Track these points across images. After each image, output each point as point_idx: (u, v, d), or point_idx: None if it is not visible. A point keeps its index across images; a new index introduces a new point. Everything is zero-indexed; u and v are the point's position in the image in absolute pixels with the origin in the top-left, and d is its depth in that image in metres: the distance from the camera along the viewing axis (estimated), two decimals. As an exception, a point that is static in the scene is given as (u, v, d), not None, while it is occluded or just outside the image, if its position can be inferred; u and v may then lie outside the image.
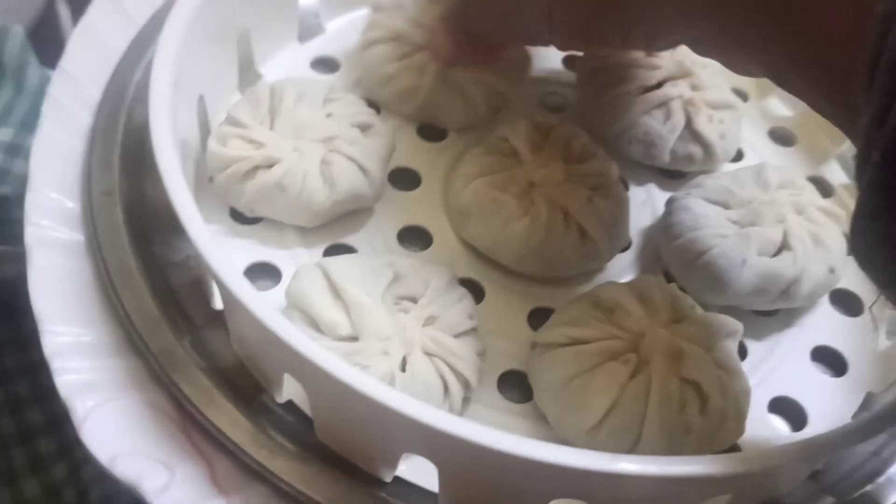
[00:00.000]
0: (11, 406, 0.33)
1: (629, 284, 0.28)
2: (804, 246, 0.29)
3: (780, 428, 0.28)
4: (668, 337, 0.26)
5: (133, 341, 0.25)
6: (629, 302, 0.27)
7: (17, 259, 0.32)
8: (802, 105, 0.35)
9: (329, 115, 0.30)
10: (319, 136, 0.29)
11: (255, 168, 0.29)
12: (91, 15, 0.34)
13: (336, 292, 0.26)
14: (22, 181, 0.32)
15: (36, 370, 0.33)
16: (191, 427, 0.24)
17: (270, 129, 0.30)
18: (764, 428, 0.28)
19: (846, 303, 0.31)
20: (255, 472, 0.24)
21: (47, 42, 0.51)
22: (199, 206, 0.28)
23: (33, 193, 0.28)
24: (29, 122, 0.37)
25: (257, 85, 0.31)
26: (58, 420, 0.33)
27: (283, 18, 0.35)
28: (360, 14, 0.37)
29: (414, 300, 0.26)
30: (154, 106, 0.26)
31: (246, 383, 0.25)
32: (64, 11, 0.54)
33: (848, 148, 0.35)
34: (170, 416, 0.24)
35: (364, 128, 0.31)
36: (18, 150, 0.35)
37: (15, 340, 0.33)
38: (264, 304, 0.22)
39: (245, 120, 0.29)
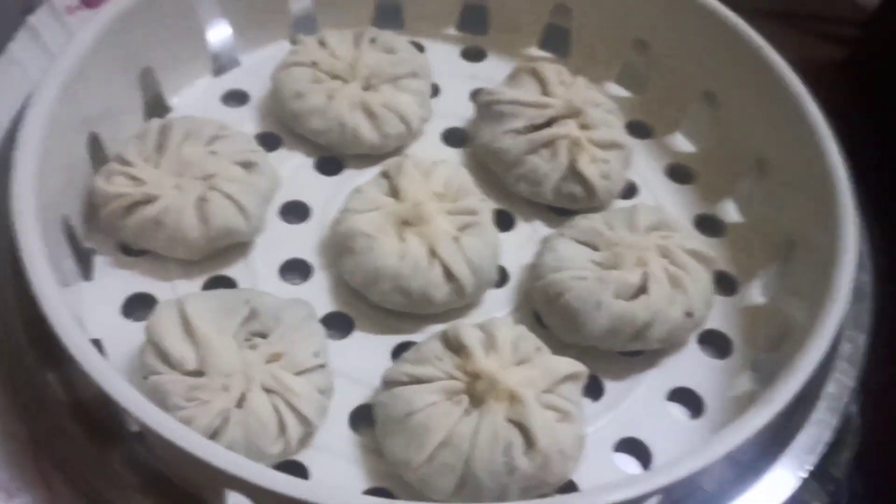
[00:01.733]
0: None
1: (479, 325, 0.28)
2: (661, 289, 0.29)
3: (627, 467, 0.29)
4: (502, 379, 0.26)
5: (7, 376, 0.27)
6: (474, 343, 0.28)
7: None
8: (706, 141, 0.36)
9: (213, 153, 0.32)
10: (200, 174, 0.31)
11: (136, 204, 0.30)
12: (11, 49, 0.36)
13: (188, 328, 0.27)
14: None
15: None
16: (43, 458, 0.26)
17: (156, 167, 0.31)
18: (610, 467, 0.28)
19: (715, 344, 0.32)
20: (95, 501, 0.25)
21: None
22: (90, 237, 0.30)
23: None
24: None
25: (149, 123, 0.32)
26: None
27: (192, 52, 0.37)
28: (277, 49, 0.39)
29: (265, 336, 0.28)
30: (22, 141, 0.28)
31: (104, 417, 0.27)
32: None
33: (745, 187, 0.36)
34: (24, 447, 0.26)
35: (246, 165, 0.32)
36: None
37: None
38: (97, 362, 0.24)
39: (131, 158, 0.31)
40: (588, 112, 0.34)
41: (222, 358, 0.26)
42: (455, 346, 0.28)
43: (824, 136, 0.32)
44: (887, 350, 0.31)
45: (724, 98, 0.36)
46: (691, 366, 0.31)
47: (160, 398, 0.26)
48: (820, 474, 0.27)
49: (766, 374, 0.30)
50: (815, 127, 0.32)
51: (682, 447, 0.29)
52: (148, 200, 0.30)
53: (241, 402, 0.26)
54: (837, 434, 0.28)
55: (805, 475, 0.27)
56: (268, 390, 0.26)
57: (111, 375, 0.24)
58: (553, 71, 0.36)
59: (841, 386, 0.29)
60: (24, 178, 0.27)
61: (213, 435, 0.25)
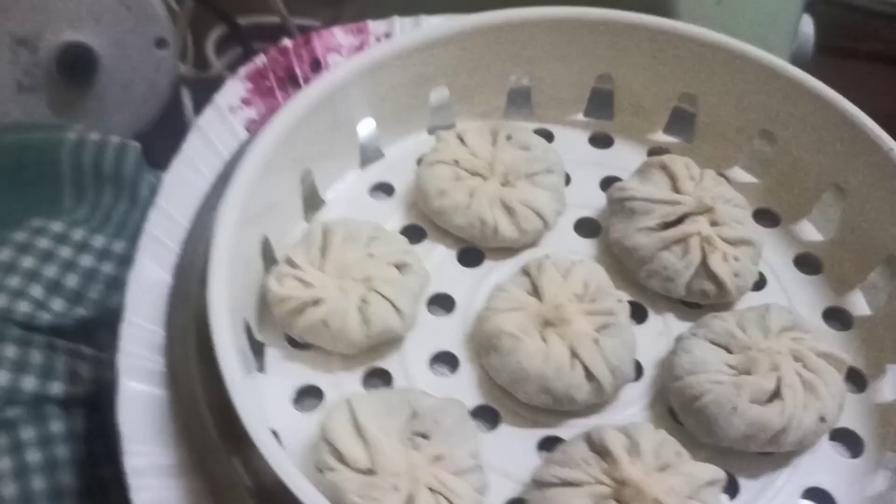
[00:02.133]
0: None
1: (622, 429, 0.31)
2: (795, 395, 0.31)
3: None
4: (648, 487, 0.28)
5: (196, 462, 0.31)
6: (619, 449, 0.30)
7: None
8: (833, 231, 0.37)
9: (371, 255, 0.35)
10: (360, 276, 0.34)
11: (304, 305, 0.34)
12: (183, 151, 0.40)
13: (359, 429, 0.30)
14: None
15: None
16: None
17: (320, 269, 0.34)
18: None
19: (846, 442, 0.33)
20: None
21: (173, 132, 0.58)
22: (263, 331, 0.34)
23: (126, 323, 0.34)
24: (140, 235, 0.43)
25: (312, 225, 0.36)
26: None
27: (343, 148, 0.40)
28: (417, 140, 0.42)
29: (426, 437, 0.30)
30: (216, 244, 0.32)
31: (287, 500, 0.30)
32: (187, 101, 0.61)
33: (873, 277, 0.37)
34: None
35: (401, 266, 0.35)
36: (130, 261, 0.42)
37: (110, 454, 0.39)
38: (279, 456, 0.27)
39: (299, 262, 0.34)
40: (718, 208, 0.36)
41: (391, 458, 0.29)
42: (600, 449, 0.30)
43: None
44: None
45: (852, 189, 0.37)
46: (824, 465, 0.32)
47: (336, 494, 0.29)
48: None
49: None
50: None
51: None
52: (316, 302, 0.34)
53: (409, 502, 0.29)
54: None
55: None
56: (432, 490, 0.29)
57: (291, 469, 0.27)
58: (682, 165, 0.37)
59: None
60: (218, 278, 0.31)
61: (386, 533, 0.29)
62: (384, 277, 0.34)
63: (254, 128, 0.41)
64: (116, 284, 0.42)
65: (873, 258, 0.37)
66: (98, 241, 0.43)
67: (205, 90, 0.65)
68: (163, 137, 0.55)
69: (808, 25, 0.55)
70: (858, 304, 0.37)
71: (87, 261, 0.42)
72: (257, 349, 0.35)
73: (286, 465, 0.27)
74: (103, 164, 0.44)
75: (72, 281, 0.41)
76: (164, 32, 0.53)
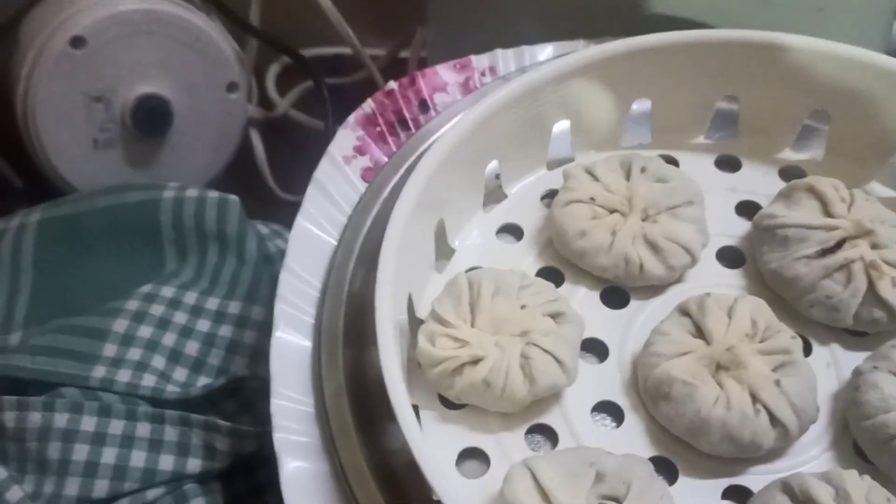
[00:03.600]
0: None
1: (824, 477, 0.29)
2: None
3: None
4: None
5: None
6: (826, 498, 0.28)
7: (257, 435, 0.37)
8: None
9: (523, 307, 0.33)
10: (517, 331, 0.32)
11: (462, 365, 0.32)
12: (305, 207, 0.38)
13: (545, 494, 0.29)
14: (251, 354, 0.37)
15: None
16: None
17: (472, 325, 0.33)
18: None
19: None
20: None
21: (245, 174, 0.56)
22: (410, 391, 0.33)
23: (277, 397, 0.33)
24: (252, 294, 0.41)
25: (456, 278, 0.34)
26: None
27: (472, 192, 0.39)
28: (537, 176, 0.40)
29: (617, 500, 0.29)
30: (378, 302, 0.31)
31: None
32: (257, 142, 0.60)
33: None
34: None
35: (556, 316, 0.33)
36: (246, 322, 0.40)
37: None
38: None
39: (449, 318, 0.33)
40: (877, 230, 0.34)
41: (586, 527, 0.28)
42: (804, 500, 0.28)
43: None
44: None
45: None
46: None
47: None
48: None
49: None
50: None
51: None
52: (473, 361, 0.32)
53: (610, 572, 0.27)
54: None
55: None
56: (635, 559, 0.28)
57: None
58: (831, 186, 0.36)
59: None
60: (387, 334, 0.30)
61: None
62: (542, 330, 0.33)
63: (369, 176, 0.40)
64: (235, 348, 0.40)
65: None
66: (212, 303, 0.41)
67: (271, 130, 0.64)
68: (232, 182, 0.54)
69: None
70: None
71: (203, 325, 0.40)
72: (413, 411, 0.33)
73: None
74: (205, 221, 0.43)
75: (192, 348, 0.40)
76: (234, 76, 0.52)
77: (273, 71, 0.67)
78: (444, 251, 0.38)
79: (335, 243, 0.37)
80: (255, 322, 0.40)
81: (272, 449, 0.31)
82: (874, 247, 0.34)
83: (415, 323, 0.35)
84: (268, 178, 0.59)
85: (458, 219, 0.38)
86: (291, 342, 0.34)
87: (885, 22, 0.51)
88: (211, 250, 0.43)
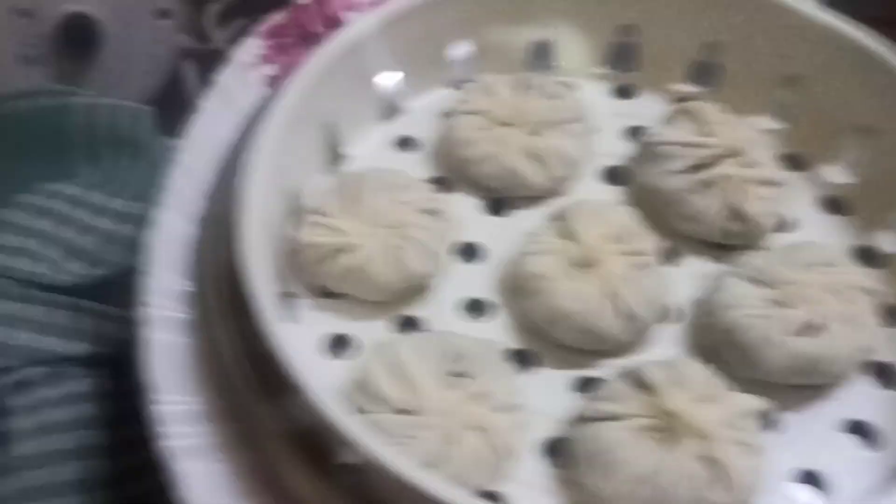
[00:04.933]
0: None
1: (667, 364, 0.30)
2: (833, 326, 0.31)
3: (805, 498, 0.30)
4: (692, 417, 0.28)
5: (228, 408, 0.30)
6: (661, 382, 0.29)
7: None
8: (861, 172, 0.37)
9: (401, 203, 0.34)
10: (392, 222, 0.34)
11: (337, 252, 0.33)
12: (203, 107, 0.39)
13: (400, 370, 0.30)
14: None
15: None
16: (274, 487, 0.29)
17: (351, 217, 0.34)
18: (788, 498, 0.30)
19: (882, 374, 0.33)
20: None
21: (174, 104, 0.57)
22: (291, 281, 0.34)
23: (150, 275, 0.33)
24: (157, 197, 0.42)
25: (341, 173, 0.35)
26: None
27: (367, 101, 0.40)
28: (440, 94, 0.41)
29: (466, 377, 0.30)
30: (245, 196, 0.32)
31: (321, 448, 0.30)
32: (189, 73, 0.60)
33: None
34: (256, 478, 0.29)
35: (432, 213, 0.35)
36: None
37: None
38: (313, 385, 0.27)
39: (328, 208, 0.34)
40: (746, 151, 0.36)
41: (432, 398, 0.29)
42: (643, 385, 0.30)
43: None
44: None
45: (881, 129, 0.37)
46: (863, 397, 0.32)
47: (376, 435, 0.28)
48: None
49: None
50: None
51: (864, 479, 0.30)
52: (349, 249, 0.33)
53: (451, 440, 0.29)
54: None
55: None
56: (474, 428, 0.29)
57: (337, 408, 0.27)
58: (708, 110, 0.37)
59: None
60: (250, 231, 0.31)
61: (428, 470, 0.28)
62: (416, 223, 0.34)
63: (273, 84, 0.41)
64: (136, 246, 0.41)
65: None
66: (117, 203, 0.42)
67: (205, 63, 0.65)
68: (163, 110, 0.55)
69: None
70: (888, 243, 0.37)
71: (105, 223, 0.41)
72: (287, 300, 0.34)
73: (331, 407, 0.27)
74: (118, 127, 0.44)
75: (90, 244, 0.41)
76: (165, 3, 0.53)
77: (214, 7, 0.68)
78: (340, 157, 0.39)
79: (231, 140, 0.38)
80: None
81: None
82: (743, 166, 0.36)
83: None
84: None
85: (352, 128, 0.39)
86: (176, 227, 0.35)
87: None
88: (124, 156, 0.44)
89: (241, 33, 0.64)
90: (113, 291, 0.40)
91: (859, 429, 0.32)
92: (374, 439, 0.26)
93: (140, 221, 0.41)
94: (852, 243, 0.37)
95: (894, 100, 0.36)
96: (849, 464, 0.31)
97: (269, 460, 0.29)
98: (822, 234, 0.37)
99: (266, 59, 0.41)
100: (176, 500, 0.28)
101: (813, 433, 0.31)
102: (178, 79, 0.58)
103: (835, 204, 0.38)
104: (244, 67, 0.41)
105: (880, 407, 0.32)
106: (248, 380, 0.31)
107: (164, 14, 0.53)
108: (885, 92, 0.37)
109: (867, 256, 0.37)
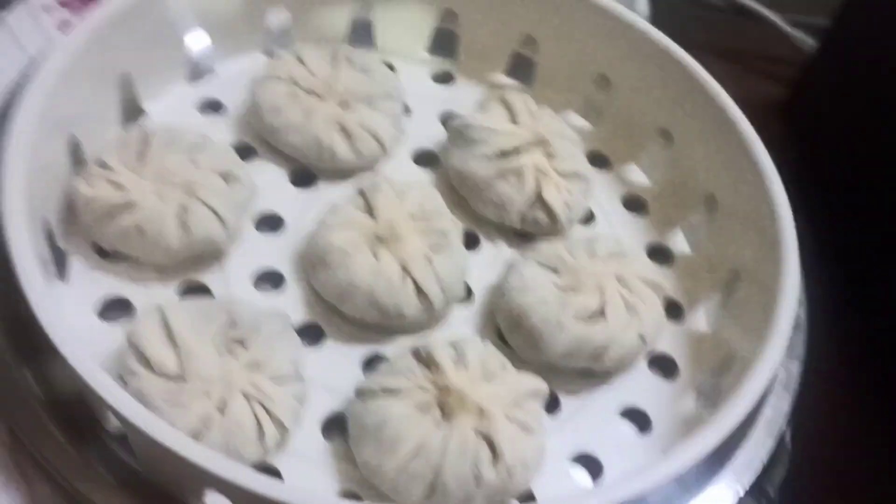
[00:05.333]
0: None
1: (451, 343, 0.30)
2: (617, 314, 0.32)
3: (580, 479, 0.31)
4: (470, 394, 0.28)
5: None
6: (445, 359, 0.29)
7: None
8: (659, 174, 0.39)
9: (195, 163, 0.32)
10: (181, 183, 0.32)
11: (116, 209, 0.31)
12: (-14, 47, 0.36)
13: (170, 334, 0.28)
14: None
15: None
16: (20, 454, 0.26)
17: (137, 174, 0.32)
18: (565, 478, 0.30)
19: (662, 366, 0.34)
20: (74, 501, 0.26)
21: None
22: (66, 239, 0.31)
23: None
24: None
25: (130, 129, 0.33)
26: None
27: (170, 59, 0.37)
28: (252, 60, 0.40)
29: (244, 345, 0.29)
30: (12, 144, 0.29)
31: (80, 415, 0.27)
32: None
33: (693, 219, 0.38)
34: (2, 443, 0.26)
35: (227, 177, 0.33)
36: None
37: None
38: (74, 348, 0.24)
39: (112, 163, 0.32)
40: (553, 142, 0.36)
41: (204, 364, 0.27)
42: (427, 361, 0.29)
43: (770, 175, 0.34)
44: (816, 377, 0.34)
45: (678, 135, 0.39)
46: (641, 386, 0.33)
47: (141, 401, 0.26)
48: (756, 491, 0.29)
49: (709, 396, 0.33)
50: (762, 166, 0.35)
51: (631, 462, 0.31)
52: (129, 206, 0.31)
53: (221, 408, 0.27)
54: (772, 455, 0.30)
55: (742, 492, 0.29)
56: (247, 396, 0.27)
57: (99, 373, 0.25)
58: (521, 101, 0.38)
59: (777, 411, 0.31)
60: (14, 180, 0.28)
61: (194, 438, 0.26)
62: (208, 186, 0.32)
63: (66, 30, 0.38)
64: None
65: (693, 200, 0.38)
66: None
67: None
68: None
69: (643, 4, 0.57)
70: (679, 243, 0.38)
71: None
72: (59, 257, 0.31)
73: (93, 370, 0.24)
74: None
75: None
76: None
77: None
78: (137, 113, 0.37)
79: (10, 85, 0.35)
80: None
81: None
82: (548, 156, 0.36)
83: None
84: None
85: (153, 84, 0.37)
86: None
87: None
88: None
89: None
90: None
91: (634, 415, 0.33)
92: (136, 407, 0.24)
93: None
94: (647, 241, 0.38)
95: (690, 109, 0.38)
96: (622, 447, 0.31)
97: (20, 427, 0.27)
98: (620, 230, 0.38)
99: (62, 4, 0.38)
100: None
101: (591, 417, 0.32)
102: None
103: (635, 202, 0.40)
104: (37, 9, 0.37)
105: (653, 395, 0.33)
106: (5, 343, 0.28)
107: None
108: (682, 101, 0.38)
109: (660, 254, 0.38)
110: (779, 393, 0.32)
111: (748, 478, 0.30)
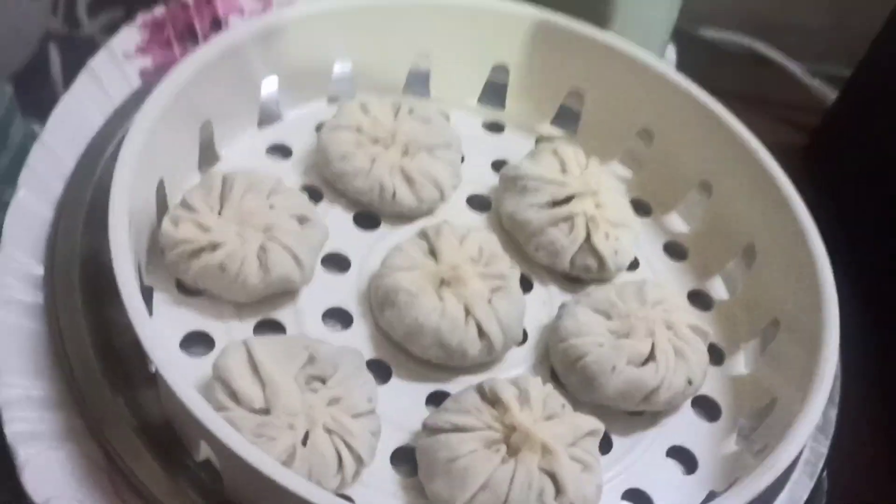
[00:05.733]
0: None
1: (513, 381, 0.32)
2: (667, 359, 0.34)
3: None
4: (536, 432, 0.30)
5: (75, 397, 0.30)
6: (509, 398, 0.31)
7: None
8: (697, 223, 0.41)
9: (272, 207, 0.35)
10: (261, 225, 0.34)
11: (201, 249, 0.33)
12: (73, 91, 0.38)
13: (255, 369, 0.30)
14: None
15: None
16: (117, 478, 0.28)
17: (219, 216, 0.34)
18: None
19: (705, 408, 0.36)
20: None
21: (37, 87, 0.55)
22: (150, 275, 0.33)
23: (2, 255, 0.32)
24: (10, 177, 0.40)
25: (212, 172, 0.35)
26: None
27: (245, 106, 0.40)
28: (317, 107, 0.42)
29: (323, 381, 0.31)
30: (116, 186, 0.31)
31: (170, 441, 0.29)
32: (55, 57, 0.58)
33: (732, 266, 0.40)
34: (99, 467, 0.28)
35: (302, 220, 0.35)
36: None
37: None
38: (180, 378, 0.26)
39: (197, 205, 0.34)
40: (602, 192, 0.39)
41: (288, 399, 0.29)
42: (492, 399, 0.31)
43: (806, 222, 0.37)
44: (852, 417, 0.35)
45: (717, 184, 0.41)
46: (686, 426, 0.35)
47: (231, 432, 0.28)
48: None
49: (747, 437, 0.35)
50: (800, 218, 0.37)
51: (679, 499, 0.33)
52: (213, 247, 0.33)
53: (305, 441, 0.29)
54: (812, 494, 0.32)
55: None
56: (328, 430, 0.29)
57: (202, 403, 0.27)
58: (571, 152, 0.40)
59: (816, 453, 0.33)
60: (120, 217, 0.30)
61: (280, 469, 0.28)
62: (285, 228, 0.34)
63: (147, 77, 0.40)
64: None
65: (732, 248, 0.40)
66: None
67: (72, 49, 0.63)
68: (25, 93, 0.52)
69: (671, 53, 0.60)
70: (718, 289, 0.40)
71: None
72: (146, 293, 0.34)
73: (199, 402, 0.26)
74: None
75: None
76: None
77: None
78: (212, 158, 0.39)
79: (98, 127, 0.37)
80: (5, 204, 0.39)
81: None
82: (598, 206, 0.38)
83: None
84: (60, 94, 0.57)
85: (228, 130, 0.39)
86: (32, 208, 0.34)
87: (658, 46, 0.57)
88: None
89: (113, 22, 0.63)
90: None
91: (681, 454, 0.34)
92: (238, 437, 0.26)
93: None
94: (688, 286, 0.40)
95: (728, 159, 0.40)
96: (670, 485, 0.33)
97: (116, 451, 0.29)
98: (663, 276, 0.40)
99: (141, 51, 0.41)
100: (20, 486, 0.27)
101: (641, 456, 0.34)
102: (42, 62, 0.56)
103: (675, 249, 0.42)
104: (119, 56, 0.40)
105: (698, 436, 0.35)
106: (94, 370, 0.30)
107: (34, -8, 0.51)
108: (722, 155, 0.40)
109: (699, 299, 0.40)
110: (817, 437, 0.34)
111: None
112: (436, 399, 0.34)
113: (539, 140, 0.45)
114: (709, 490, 0.33)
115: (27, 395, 0.29)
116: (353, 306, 0.36)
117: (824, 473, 0.34)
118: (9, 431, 0.28)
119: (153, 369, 0.31)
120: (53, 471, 0.28)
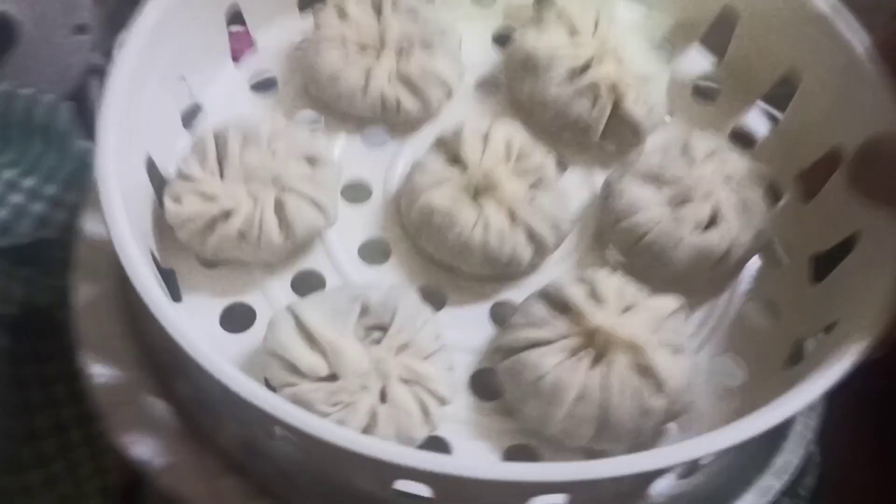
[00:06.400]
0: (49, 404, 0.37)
1: (580, 281, 0.30)
2: (731, 216, 0.31)
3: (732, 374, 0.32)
4: (618, 332, 0.28)
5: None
6: (581, 300, 0.29)
7: (53, 291, 0.36)
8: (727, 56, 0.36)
9: (275, 154, 0.31)
10: (269, 178, 0.31)
11: (214, 221, 0.30)
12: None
13: (310, 336, 0.28)
14: (62, 228, 0.37)
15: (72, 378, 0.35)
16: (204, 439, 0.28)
17: (221, 179, 0.31)
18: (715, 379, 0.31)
19: (772, 255, 0.34)
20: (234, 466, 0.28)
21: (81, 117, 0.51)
22: (166, 257, 0.31)
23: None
24: (71, 182, 0.39)
25: (201, 133, 0.32)
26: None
27: (212, 45, 0.36)
28: (289, 21, 0.38)
29: (383, 329, 0.29)
30: (101, 168, 0.28)
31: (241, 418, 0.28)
32: (95, 87, 0.54)
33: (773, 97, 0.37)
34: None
35: (311, 160, 0.32)
36: (61, 203, 0.38)
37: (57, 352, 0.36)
38: (234, 373, 0.25)
39: (195, 173, 0.31)
40: (619, 45, 0.35)
41: (353, 359, 0.27)
42: (561, 305, 0.29)
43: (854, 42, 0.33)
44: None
45: (743, 10, 0.37)
46: (761, 277, 0.33)
47: (306, 409, 0.27)
48: (791, 493, 0.32)
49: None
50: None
51: (769, 354, 0.32)
52: (225, 215, 0.30)
53: (383, 398, 0.27)
54: (803, 462, 0.32)
55: (779, 485, 0.31)
56: (404, 381, 0.28)
57: (263, 391, 0.25)
58: (577, 8, 0.36)
59: (806, 427, 0.32)
60: (116, 213, 0.27)
61: (366, 433, 0.27)
62: (296, 175, 0.31)
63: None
64: (45, 221, 0.38)
65: (771, 74, 0.37)
66: (29, 182, 0.39)
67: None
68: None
69: None
70: (758, 122, 0.37)
71: (17, 198, 0.38)
72: (168, 277, 0.31)
73: (256, 390, 0.24)
74: (34, 116, 0.40)
75: (1, 213, 0.37)
76: (86, 18, 0.47)
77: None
78: (193, 110, 0.35)
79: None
80: (69, 205, 0.38)
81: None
82: (619, 63, 0.35)
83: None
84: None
85: (202, 75, 0.35)
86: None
87: None
88: (36, 143, 0.40)
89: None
90: (27, 259, 0.38)
91: (764, 305, 0.33)
92: (308, 415, 0.24)
93: (52, 202, 0.38)
94: (725, 129, 0.37)
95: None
96: (753, 340, 0.32)
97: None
98: (695, 122, 0.37)
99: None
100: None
101: (726, 316, 0.32)
102: (83, 94, 0.52)
103: (701, 92, 0.38)
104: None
105: (774, 284, 0.33)
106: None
107: (81, 29, 0.48)
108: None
109: (740, 139, 0.37)
110: (806, 412, 0.32)
111: (786, 478, 0.31)
112: (499, 313, 0.32)
113: (539, 2, 0.40)
114: (795, 338, 0.32)
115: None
116: (385, 234, 0.33)
117: (813, 447, 0.33)
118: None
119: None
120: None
